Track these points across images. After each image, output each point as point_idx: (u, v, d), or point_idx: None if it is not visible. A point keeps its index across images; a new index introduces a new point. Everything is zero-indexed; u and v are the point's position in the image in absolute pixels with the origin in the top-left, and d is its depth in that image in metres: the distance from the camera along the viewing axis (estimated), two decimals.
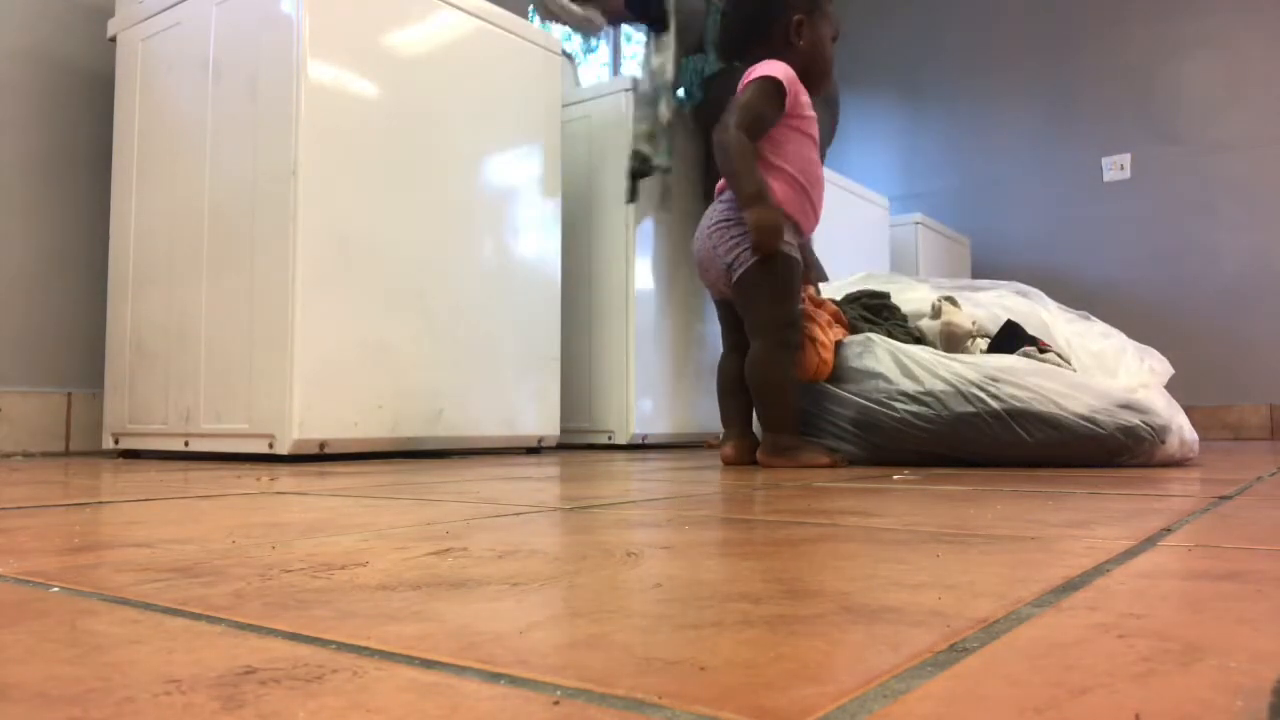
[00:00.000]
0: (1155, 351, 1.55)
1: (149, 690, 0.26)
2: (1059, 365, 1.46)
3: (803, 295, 1.49)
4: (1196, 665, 0.28)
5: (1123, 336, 1.59)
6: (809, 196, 1.46)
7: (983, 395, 1.39)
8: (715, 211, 1.46)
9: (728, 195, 1.45)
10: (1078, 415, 1.36)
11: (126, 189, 1.85)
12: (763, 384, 1.42)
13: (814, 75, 1.50)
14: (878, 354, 1.49)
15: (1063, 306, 1.69)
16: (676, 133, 2.35)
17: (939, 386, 1.42)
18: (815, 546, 0.54)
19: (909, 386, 1.43)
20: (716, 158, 1.42)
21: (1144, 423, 1.37)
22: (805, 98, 1.45)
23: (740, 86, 1.44)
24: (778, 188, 1.41)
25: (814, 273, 1.62)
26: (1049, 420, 1.36)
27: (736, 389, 1.50)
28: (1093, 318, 1.66)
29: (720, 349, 1.58)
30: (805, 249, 1.49)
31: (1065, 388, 1.38)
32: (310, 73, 1.58)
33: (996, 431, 1.37)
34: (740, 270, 1.40)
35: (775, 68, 1.41)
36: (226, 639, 0.32)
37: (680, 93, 2.36)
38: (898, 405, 1.43)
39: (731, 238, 1.42)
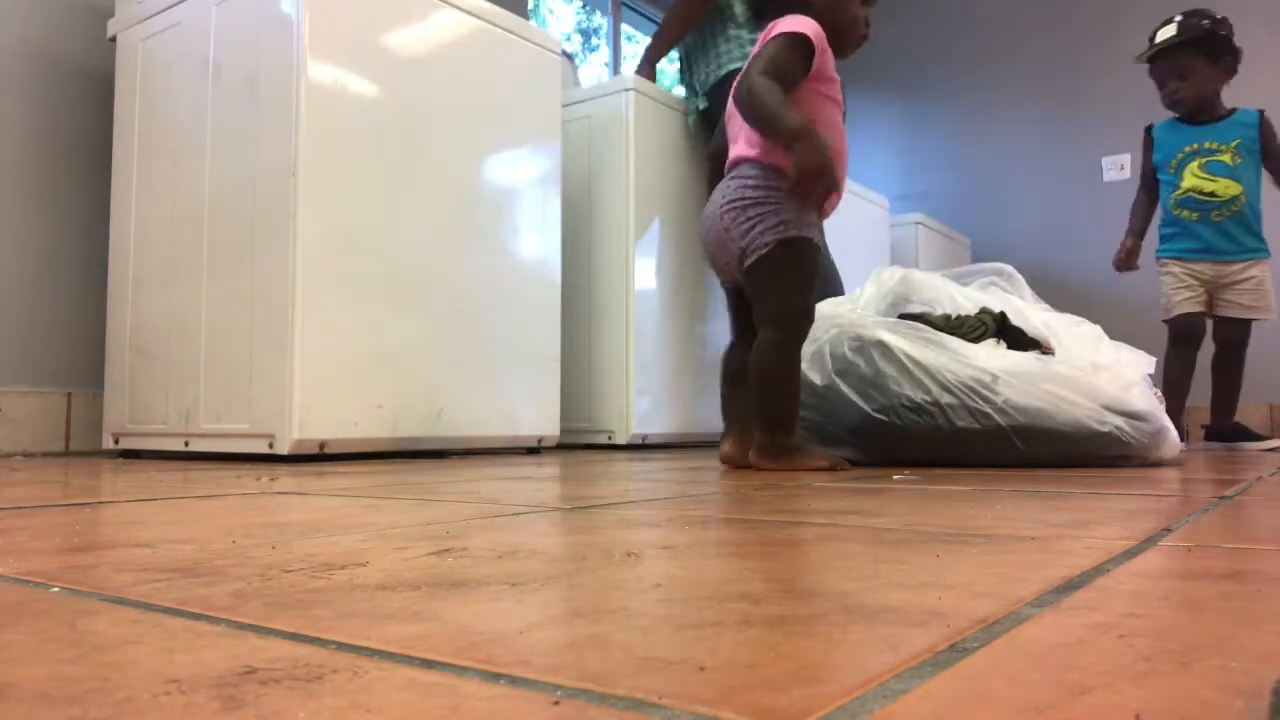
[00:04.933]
0: (1127, 346, 1.55)
1: (149, 690, 0.26)
2: (1049, 355, 1.47)
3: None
4: (1196, 665, 0.28)
5: (1095, 327, 1.59)
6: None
7: (988, 410, 1.38)
8: (729, 190, 1.34)
9: (741, 171, 1.34)
10: (1083, 424, 1.36)
11: (126, 189, 1.85)
12: (766, 378, 1.31)
13: (840, 37, 1.38)
14: (887, 357, 1.47)
15: (1035, 296, 1.71)
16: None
17: (945, 398, 1.40)
18: (815, 546, 0.54)
19: (917, 396, 1.42)
20: (741, 111, 1.31)
21: (1143, 427, 1.38)
22: (832, 59, 1.35)
23: (760, 42, 1.34)
24: None
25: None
26: (1054, 435, 1.36)
27: (740, 382, 1.40)
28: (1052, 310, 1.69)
29: (726, 341, 1.49)
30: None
31: (1076, 395, 1.38)
32: (310, 73, 1.58)
33: (999, 445, 1.38)
34: (755, 255, 1.29)
35: (801, 23, 1.31)
36: (226, 639, 0.32)
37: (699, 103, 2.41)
38: (903, 413, 1.43)
39: (748, 219, 1.30)
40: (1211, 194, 2.34)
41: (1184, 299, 2.38)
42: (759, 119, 1.28)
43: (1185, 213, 2.37)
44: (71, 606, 0.38)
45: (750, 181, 1.32)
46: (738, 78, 1.33)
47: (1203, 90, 2.32)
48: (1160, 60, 2.33)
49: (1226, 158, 2.32)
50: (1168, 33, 2.32)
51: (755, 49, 1.35)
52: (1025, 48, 4.13)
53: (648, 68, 2.44)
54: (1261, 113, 2.34)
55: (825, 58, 1.33)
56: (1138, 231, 2.50)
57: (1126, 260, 2.50)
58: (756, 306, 1.35)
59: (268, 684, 0.26)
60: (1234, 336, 2.38)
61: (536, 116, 2.04)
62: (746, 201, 1.32)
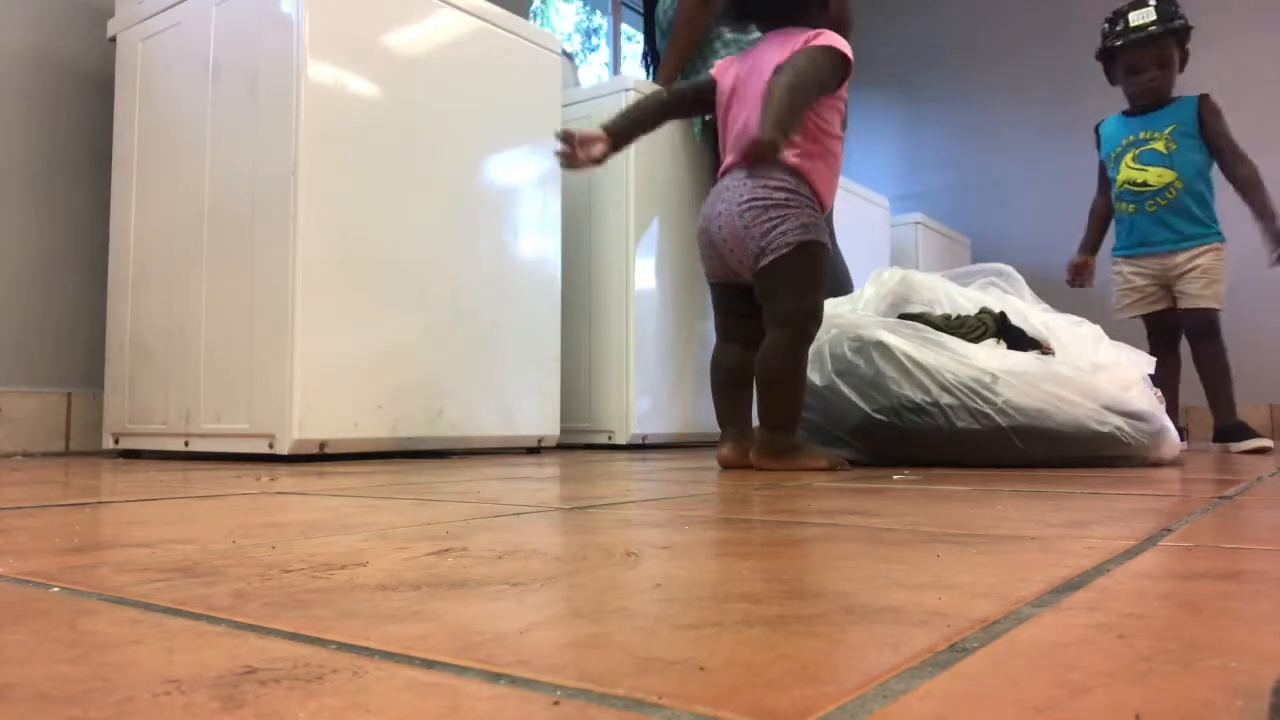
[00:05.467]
0: (1127, 346, 1.54)
1: (149, 690, 0.26)
2: (1049, 355, 1.47)
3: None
4: (1196, 665, 0.28)
5: (1095, 327, 1.59)
6: (837, 176, 1.43)
7: (988, 411, 1.38)
8: (745, 188, 1.35)
9: (760, 171, 1.35)
10: (1083, 424, 1.36)
11: (126, 189, 1.85)
12: (776, 378, 1.33)
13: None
14: (886, 358, 1.47)
15: (1035, 297, 1.71)
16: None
17: (945, 399, 1.40)
18: (815, 546, 0.54)
19: (917, 396, 1.42)
20: (773, 87, 1.27)
21: (1143, 427, 1.38)
22: None
23: (799, 45, 1.33)
24: (822, 168, 1.37)
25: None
26: (1054, 435, 1.36)
27: (736, 383, 1.42)
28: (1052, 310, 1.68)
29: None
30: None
31: (1076, 395, 1.38)
32: (310, 73, 1.58)
33: (999, 446, 1.38)
34: (773, 256, 1.32)
35: (842, 42, 1.35)
36: (226, 639, 0.32)
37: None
38: (903, 414, 1.43)
39: (770, 219, 1.33)
40: (1144, 184, 2.26)
41: (1129, 304, 2.35)
42: (780, 103, 1.24)
43: (1123, 205, 2.33)
44: (71, 606, 0.38)
45: (772, 183, 1.34)
46: (784, 68, 1.29)
47: (1172, 80, 2.27)
48: (1141, 47, 2.25)
49: (1160, 145, 2.25)
50: (1145, 17, 2.23)
51: (788, 49, 1.34)
52: (1025, 48, 4.13)
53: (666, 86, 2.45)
54: (1202, 98, 2.26)
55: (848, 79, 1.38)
56: (1089, 245, 2.44)
57: (1074, 276, 2.45)
58: (769, 306, 1.36)
59: (268, 684, 0.26)
60: (1194, 327, 2.27)
61: (536, 116, 2.04)
62: (770, 202, 1.34)
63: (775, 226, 1.32)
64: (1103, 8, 3.92)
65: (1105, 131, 2.40)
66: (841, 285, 2.25)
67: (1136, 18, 2.25)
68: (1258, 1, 3.61)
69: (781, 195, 1.33)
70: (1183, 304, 2.29)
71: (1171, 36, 2.23)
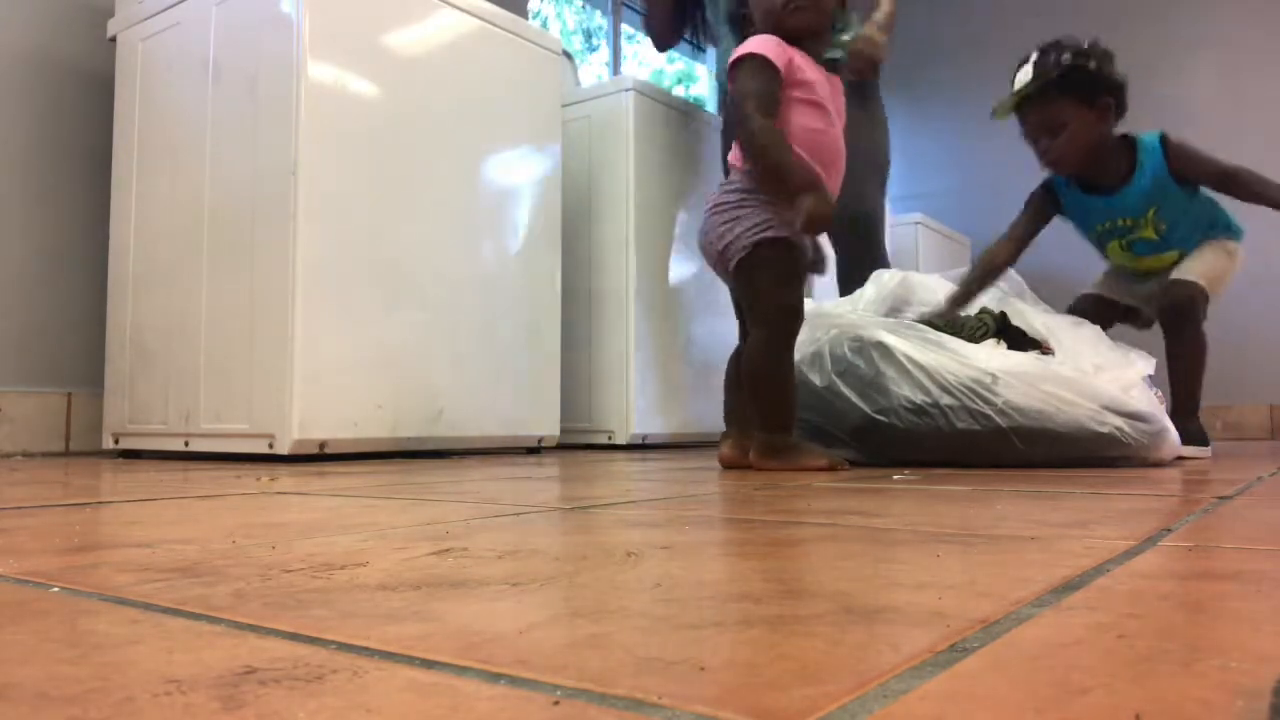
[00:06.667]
0: (1127, 346, 1.53)
1: (149, 690, 0.26)
2: (1049, 355, 1.48)
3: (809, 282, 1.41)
4: (1196, 665, 0.28)
5: (1095, 327, 1.58)
6: (819, 170, 1.32)
7: (988, 411, 1.38)
8: (715, 195, 1.39)
9: (728, 178, 1.38)
10: (1083, 425, 1.36)
11: (126, 189, 1.85)
12: (759, 378, 1.34)
13: (798, 30, 1.34)
14: (886, 358, 1.46)
15: (1035, 298, 1.70)
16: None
17: (945, 400, 1.40)
18: (815, 546, 0.54)
19: (917, 397, 1.42)
20: (747, 153, 1.32)
21: (1143, 428, 1.38)
22: (800, 61, 1.34)
23: (730, 76, 1.36)
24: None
25: (819, 263, 1.48)
26: (1054, 436, 1.36)
27: (741, 383, 1.43)
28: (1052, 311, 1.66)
29: (727, 341, 1.52)
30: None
31: (1076, 395, 1.38)
32: (310, 73, 1.58)
33: (999, 447, 1.38)
34: (737, 256, 1.32)
35: (752, 44, 1.33)
36: (226, 639, 0.32)
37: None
38: (903, 415, 1.43)
39: (724, 222, 1.34)
40: (1149, 270, 1.86)
41: None
42: (766, 170, 1.30)
43: (1120, 268, 1.94)
44: (71, 606, 0.38)
45: (732, 185, 1.36)
46: (740, 121, 1.31)
47: (1082, 144, 1.73)
48: (1025, 113, 1.78)
49: (1149, 232, 1.79)
50: (1024, 76, 1.76)
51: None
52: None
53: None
54: (1161, 141, 1.77)
55: (791, 62, 1.33)
56: (960, 297, 1.68)
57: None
58: (746, 306, 1.39)
59: (268, 684, 0.26)
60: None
61: (536, 116, 2.04)
62: (728, 205, 1.36)
63: (730, 229, 1.34)
64: (1104, 8, 3.92)
65: (1067, 200, 1.88)
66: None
67: (1019, 80, 1.79)
68: (1257, 2, 3.61)
69: (735, 197, 1.34)
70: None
71: (1056, 90, 1.72)
